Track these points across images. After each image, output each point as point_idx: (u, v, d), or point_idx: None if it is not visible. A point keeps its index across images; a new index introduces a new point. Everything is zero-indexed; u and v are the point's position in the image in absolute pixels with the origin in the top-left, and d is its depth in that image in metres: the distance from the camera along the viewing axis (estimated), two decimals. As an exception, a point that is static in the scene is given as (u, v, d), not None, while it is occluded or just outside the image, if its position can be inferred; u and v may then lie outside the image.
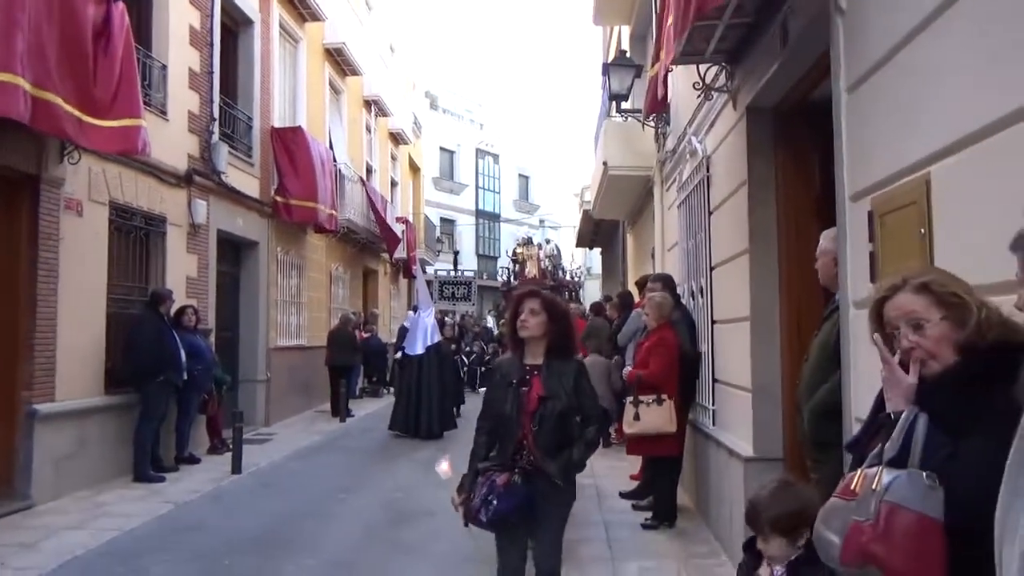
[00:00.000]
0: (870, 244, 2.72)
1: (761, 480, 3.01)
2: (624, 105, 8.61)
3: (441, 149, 32.26)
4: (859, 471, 1.64)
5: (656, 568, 4.68)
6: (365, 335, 14.45)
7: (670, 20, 4.96)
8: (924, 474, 1.44)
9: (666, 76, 4.16)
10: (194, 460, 8.17)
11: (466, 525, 3.20)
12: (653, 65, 4.88)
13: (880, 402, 1.72)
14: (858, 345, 2.82)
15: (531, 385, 3.18)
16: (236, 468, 7.68)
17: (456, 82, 37.11)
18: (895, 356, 1.62)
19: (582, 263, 33.57)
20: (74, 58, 5.95)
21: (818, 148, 4.08)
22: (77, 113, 5.95)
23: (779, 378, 4.34)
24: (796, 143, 4.41)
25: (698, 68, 5.12)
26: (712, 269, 5.52)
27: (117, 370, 7.40)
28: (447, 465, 3.35)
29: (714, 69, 5.07)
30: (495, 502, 3.03)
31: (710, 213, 5.58)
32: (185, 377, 7.62)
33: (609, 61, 9.23)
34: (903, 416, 1.54)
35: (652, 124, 8.52)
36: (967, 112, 2.13)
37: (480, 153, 35.02)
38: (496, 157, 35.95)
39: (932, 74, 2.33)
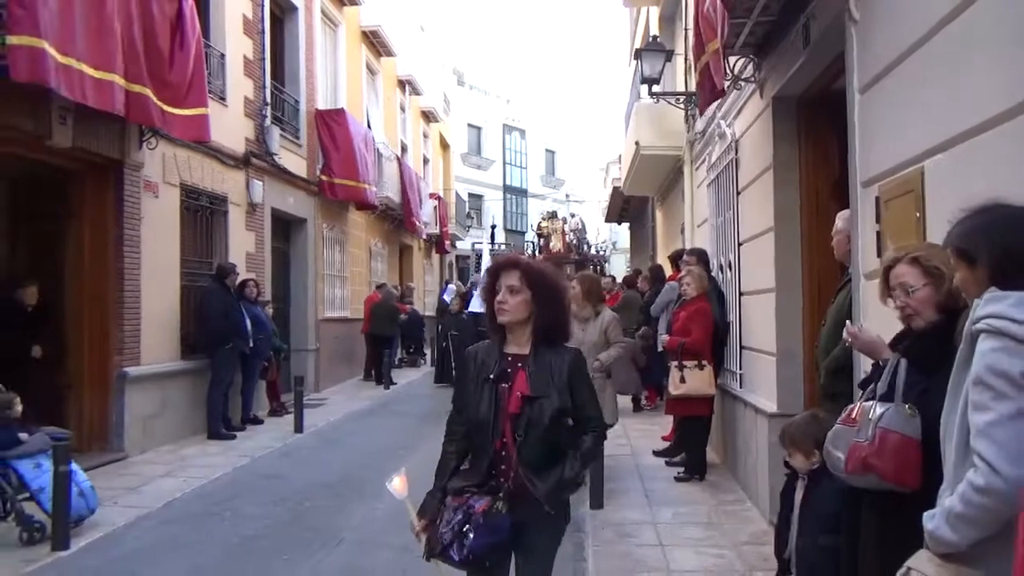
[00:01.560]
0: (877, 225, 3.23)
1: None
2: (655, 88, 9.02)
3: (469, 125, 32.67)
4: (857, 404, 2.22)
5: (690, 512, 5.25)
6: (406, 308, 15.08)
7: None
8: (907, 406, 2.02)
9: (721, 66, 4.65)
10: (258, 421, 8.90)
11: (427, 559, 2.50)
12: (699, 57, 5.33)
13: None
14: (867, 311, 3.34)
15: (513, 381, 2.51)
16: (298, 428, 8.39)
17: (483, 58, 37.44)
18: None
19: (607, 237, 34.00)
20: (156, 53, 6.57)
21: (837, 136, 4.51)
22: (161, 104, 6.56)
23: (800, 342, 4.86)
24: (817, 131, 4.87)
25: (727, 59, 5.57)
26: (740, 245, 6.01)
27: (190, 338, 8.12)
28: (400, 481, 2.52)
29: (742, 61, 5.52)
30: (471, 535, 2.36)
31: (738, 192, 6.06)
32: (251, 345, 8.31)
33: (641, 46, 9.63)
34: (889, 363, 2.10)
35: (681, 106, 8.96)
36: (953, 117, 2.62)
37: (507, 128, 35.39)
38: (523, 132, 36.29)
39: (926, 83, 2.82)
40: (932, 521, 1.64)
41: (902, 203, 2.97)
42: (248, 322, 8.30)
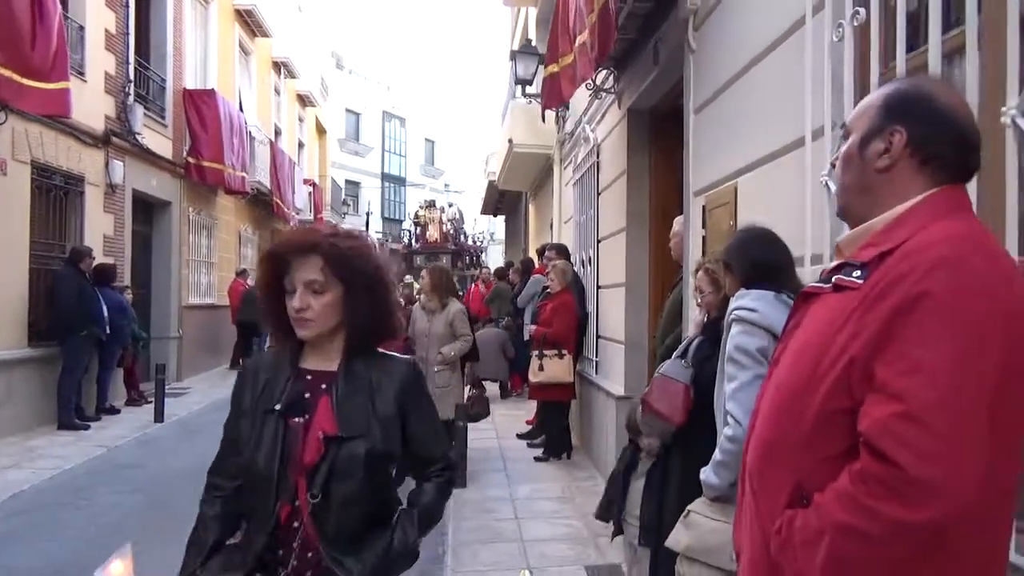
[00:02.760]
0: (703, 230, 3.70)
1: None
2: (529, 89, 9.41)
3: (347, 111, 32.11)
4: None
5: (545, 489, 5.66)
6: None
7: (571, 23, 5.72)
8: (682, 360, 2.50)
9: (572, 79, 5.05)
10: (114, 411, 8.56)
11: None
12: (548, 65, 5.73)
13: None
14: (694, 304, 3.81)
15: (312, 413, 1.69)
16: (159, 417, 8.15)
17: (363, 42, 36.85)
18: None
19: (486, 228, 34.50)
20: (14, 24, 6.19)
21: (682, 148, 5.04)
22: (16, 77, 6.21)
23: (645, 332, 5.37)
24: (666, 142, 5.37)
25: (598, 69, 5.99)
26: (599, 242, 6.49)
27: (40, 324, 7.70)
28: (122, 569, 1.52)
29: (604, 72, 5.96)
30: None
31: (599, 194, 6.53)
32: (108, 331, 7.99)
33: (516, 48, 10.00)
34: (691, 336, 2.54)
35: (552, 108, 9.40)
36: (761, 142, 3.09)
37: (387, 116, 35.06)
38: (403, 120, 36.07)
39: (741, 113, 3.29)
40: (704, 472, 2.06)
41: (721, 213, 3.44)
42: (105, 308, 7.97)
